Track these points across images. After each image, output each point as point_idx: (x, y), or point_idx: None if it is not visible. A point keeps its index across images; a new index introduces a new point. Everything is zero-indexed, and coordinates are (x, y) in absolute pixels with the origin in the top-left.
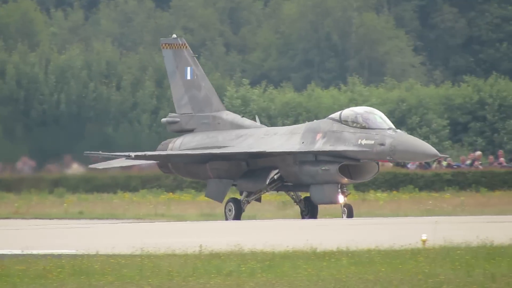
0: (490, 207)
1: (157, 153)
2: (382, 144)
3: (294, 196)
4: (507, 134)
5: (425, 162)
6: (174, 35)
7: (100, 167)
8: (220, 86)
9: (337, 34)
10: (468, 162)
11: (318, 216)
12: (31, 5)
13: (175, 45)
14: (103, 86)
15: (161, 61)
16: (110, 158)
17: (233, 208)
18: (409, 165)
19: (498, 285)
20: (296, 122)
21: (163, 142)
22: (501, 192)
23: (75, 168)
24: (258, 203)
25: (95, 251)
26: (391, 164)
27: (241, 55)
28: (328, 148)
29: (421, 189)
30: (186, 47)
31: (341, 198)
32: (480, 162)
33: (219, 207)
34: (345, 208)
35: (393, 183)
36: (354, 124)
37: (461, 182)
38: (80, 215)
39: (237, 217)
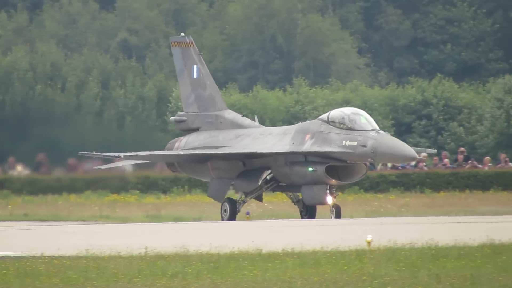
0: (435, 208)
1: (148, 153)
2: (364, 146)
3: (292, 197)
4: (451, 136)
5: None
6: (182, 34)
7: (103, 167)
8: (165, 88)
9: (282, 35)
10: (413, 163)
11: (316, 216)
12: None
13: (183, 43)
14: (48, 88)
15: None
16: (109, 159)
17: (228, 208)
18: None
19: (443, 286)
20: None
21: (170, 141)
22: (445, 193)
23: (20, 170)
24: (260, 202)
25: (40, 253)
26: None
27: None
28: (315, 149)
29: (366, 190)
30: (193, 45)
31: (329, 199)
32: (424, 163)
33: (164, 209)
34: (333, 209)
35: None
36: (341, 125)
37: (405, 183)
38: (25, 217)
39: (232, 217)
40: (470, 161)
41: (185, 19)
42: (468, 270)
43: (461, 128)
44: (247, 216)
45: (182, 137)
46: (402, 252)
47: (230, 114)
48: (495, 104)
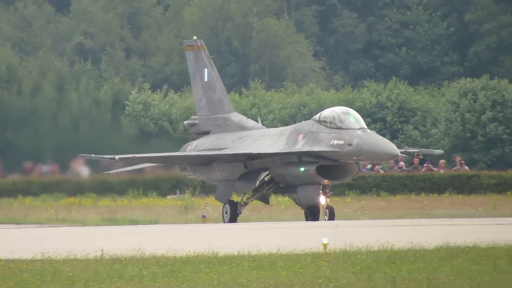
0: (391, 211)
1: (144, 156)
2: (350, 144)
3: (295, 198)
4: (406, 139)
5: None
6: (195, 37)
7: (113, 171)
8: (121, 91)
9: (238, 39)
10: (369, 166)
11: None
12: None
13: (195, 46)
14: (4, 91)
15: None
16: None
17: (229, 210)
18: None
19: None
20: None
21: (185, 145)
22: (401, 196)
23: None
24: (267, 205)
25: None
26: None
27: (142, 60)
28: (306, 148)
29: None
30: (204, 48)
31: (322, 200)
32: (380, 166)
33: (120, 211)
34: (326, 210)
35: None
36: (332, 125)
37: (361, 186)
38: None
39: (233, 219)
40: (425, 164)
41: (140, 22)
42: (424, 273)
43: (416, 131)
44: (203, 219)
45: (194, 141)
46: (358, 255)
47: (237, 117)
48: (450, 108)
